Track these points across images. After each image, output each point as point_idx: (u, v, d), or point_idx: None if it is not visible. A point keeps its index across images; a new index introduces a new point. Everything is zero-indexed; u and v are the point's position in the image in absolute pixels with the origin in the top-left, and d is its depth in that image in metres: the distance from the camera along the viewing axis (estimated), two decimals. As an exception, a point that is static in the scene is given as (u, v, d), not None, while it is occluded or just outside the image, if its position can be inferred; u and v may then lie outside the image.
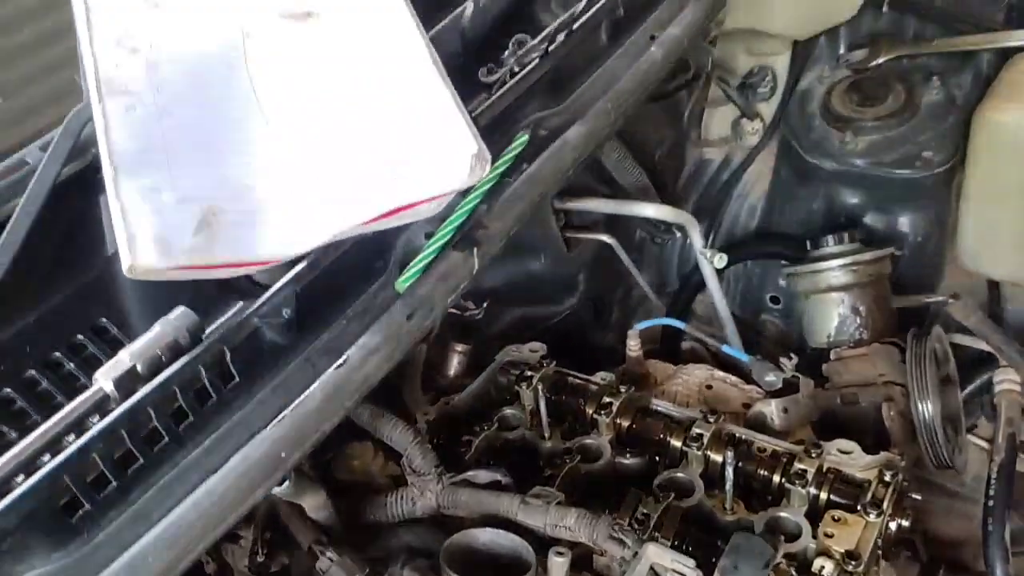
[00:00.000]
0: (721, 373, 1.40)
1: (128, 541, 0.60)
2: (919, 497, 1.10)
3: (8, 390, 0.68)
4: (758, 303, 1.70)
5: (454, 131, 0.71)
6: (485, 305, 1.36)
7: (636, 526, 1.00)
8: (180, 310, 0.68)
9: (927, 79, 1.51)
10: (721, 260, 1.45)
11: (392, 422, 1.09)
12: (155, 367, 0.65)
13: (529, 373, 1.25)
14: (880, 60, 1.55)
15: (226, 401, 0.66)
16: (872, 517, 1.00)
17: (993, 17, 1.50)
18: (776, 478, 1.08)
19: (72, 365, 0.70)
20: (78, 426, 0.61)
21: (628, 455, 1.17)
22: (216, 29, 0.80)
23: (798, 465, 1.06)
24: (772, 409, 1.26)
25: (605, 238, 1.54)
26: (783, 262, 1.54)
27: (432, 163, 0.70)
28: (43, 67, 0.79)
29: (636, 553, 0.91)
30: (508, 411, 1.25)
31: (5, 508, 0.58)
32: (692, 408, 1.25)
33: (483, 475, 1.05)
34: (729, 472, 1.05)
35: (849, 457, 1.10)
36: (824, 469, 1.07)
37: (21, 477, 0.59)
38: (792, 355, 1.33)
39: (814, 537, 0.98)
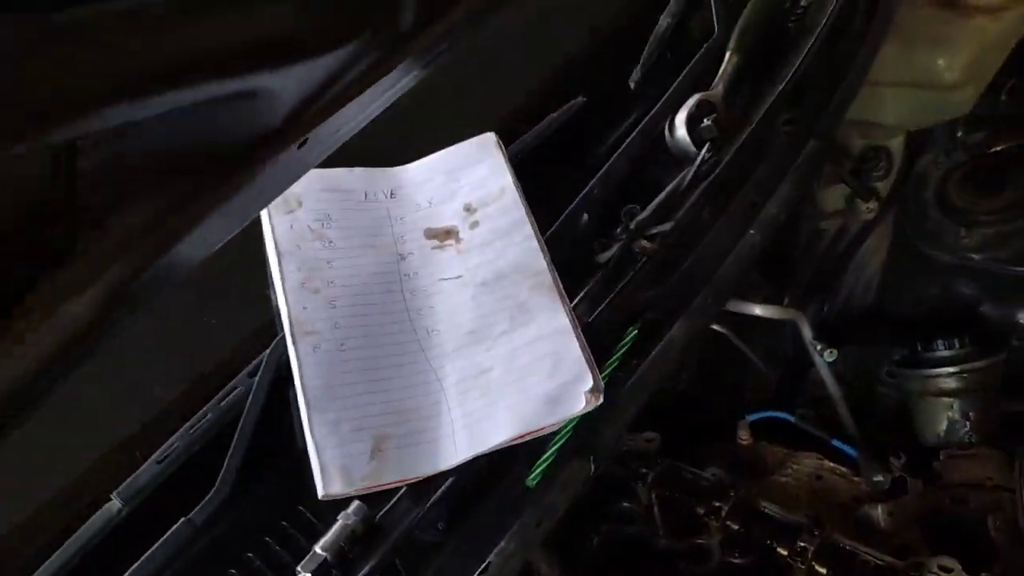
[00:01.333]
0: (830, 464, 1.48)
1: None
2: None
3: (233, 571, 0.89)
4: (873, 374, 1.74)
5: (572, 362, 0.85)
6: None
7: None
8: (355, 504, 0.86)
9: (1048, 169, 1.50)
10: (832, 355, 1.51)
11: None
12: (341, 556, 0.83)
13: (644, 470, 1.38)
14: (999, 147, 1.54)
15: (394, 596, 0.84)
16: (967, 645, 1.08)
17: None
18: (878, 595, 1.17)
19: (278, 547, 0.90)
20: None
21: (737, 556, 1.29)
22: (377, 255, 0.96)
23: (898, 587, 1.14)
24: (879, 512, 1.34)
25: (717, 327, 1.63)
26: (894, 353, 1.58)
27: (554, 392, 0.84)
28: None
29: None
30: (625, 505, 1.39)
31: None
32: (800, 508, 1.34)
33: (601, 590, 1.21)
34: (831, 594, 1.14)
35: (949, 577, 1.16)
36: (924, 589, 1.15)
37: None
38: (901, 454, 1.39)
39: (912, 656, 1.07)
